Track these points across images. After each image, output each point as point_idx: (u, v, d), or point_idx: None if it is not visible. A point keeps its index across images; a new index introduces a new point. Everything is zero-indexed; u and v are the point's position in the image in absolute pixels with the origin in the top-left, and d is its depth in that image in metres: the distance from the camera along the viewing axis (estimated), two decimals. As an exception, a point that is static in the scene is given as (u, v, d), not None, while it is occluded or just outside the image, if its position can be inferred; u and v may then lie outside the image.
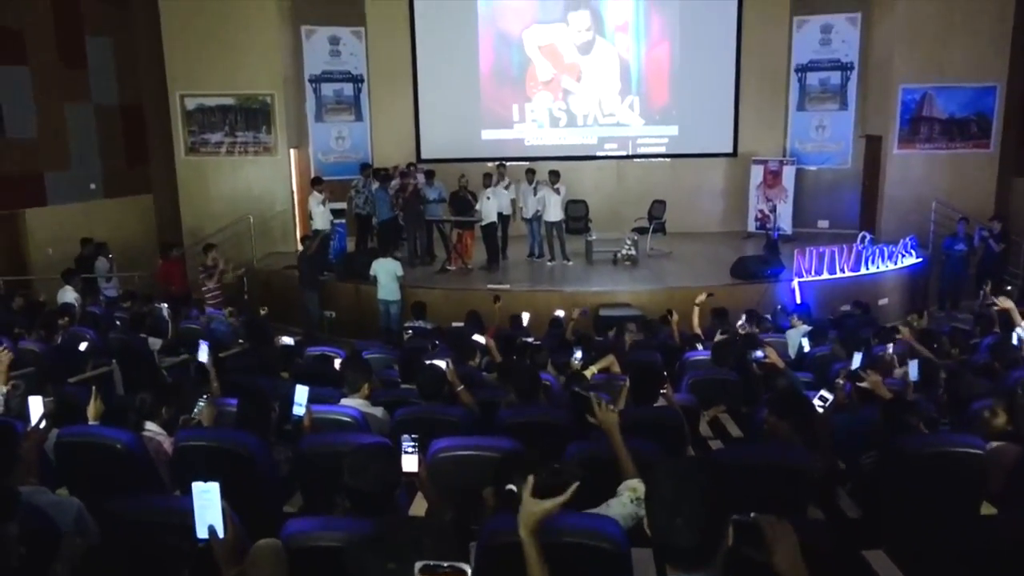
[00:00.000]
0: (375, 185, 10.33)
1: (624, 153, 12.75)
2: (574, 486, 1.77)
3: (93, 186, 10.98)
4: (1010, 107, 11.06)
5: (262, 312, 8.00)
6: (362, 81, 12.49)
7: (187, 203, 11.53)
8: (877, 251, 9.66)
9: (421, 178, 10.59)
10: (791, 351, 6.04)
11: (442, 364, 4.07)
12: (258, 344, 6.00)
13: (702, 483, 1.36)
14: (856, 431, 3.33)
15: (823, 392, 3.39)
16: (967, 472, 2.81)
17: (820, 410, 3.24)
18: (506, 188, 10.61)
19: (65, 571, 1.94)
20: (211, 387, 4.24)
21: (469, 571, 1.38)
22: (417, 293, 8.83)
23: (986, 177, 11.15)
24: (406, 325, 7.55)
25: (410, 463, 2.27)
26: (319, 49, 12.26)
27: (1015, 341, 5.13)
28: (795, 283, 9.05)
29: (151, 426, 3.33)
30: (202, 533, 1.88)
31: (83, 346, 5.57)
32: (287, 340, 6.17)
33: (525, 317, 6.87)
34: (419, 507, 2.66)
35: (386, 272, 8.66)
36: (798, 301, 8.59)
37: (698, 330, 6.43)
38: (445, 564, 1.38)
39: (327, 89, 12.38)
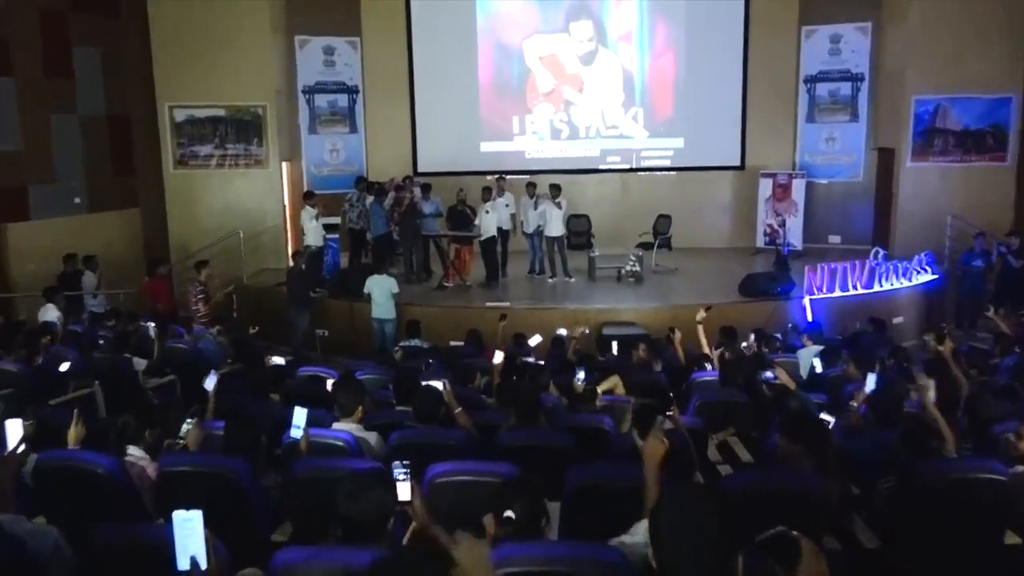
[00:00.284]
0: (370, 199, 10.37)
1: (628, 166, 12.80)
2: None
3: (78, 200, 11.00)
4: (1027, 118, 11.13)
5: (252, 331, 7.98)
6: (357, 92, 12.57)
7: (175, 218, 11.55)
8: (891, 267, 9.67)
9: (417, 192, 10.62)
10: (803, 372, 6.02)
11: (439, 385, 4.06)
12: (247, 364, 5.97)
13: (710, 511, 1.34)
14: (872, 455, 3.31)
15: (824, 415, 3.37)
16: (990, 498, 2.79)
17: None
18: (506, 204, 10.64)
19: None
20: (205, 411, 4.22)
21: None
22: (413, 311, 8.83)
23: (1003, 191, 11.17)
24: (400, 344, 7.52)
25: (403, 491, 2.25)
26: (313, 59, 12.36)
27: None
28: (806, 301, 9.05)
29: (134, 450, 3.31)
30: (183, 564, 1.85)
31: (64, 366, 5.55)
32: (278, 360, 6.16)
33: (535, 339, 6.86)
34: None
35: (381, 289, 8.65)
36: (809, 319, 8.57)
37: (707, 349, 6.41)
38: None
39: (321, 100, 12.47)
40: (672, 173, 12.80)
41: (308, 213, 9.90)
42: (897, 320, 9.31)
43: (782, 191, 12.24)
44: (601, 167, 12.82)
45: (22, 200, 10.33)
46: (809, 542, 1.41)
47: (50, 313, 8.03)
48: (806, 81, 12.44)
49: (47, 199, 10.59)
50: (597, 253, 10.64)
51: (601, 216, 12.10)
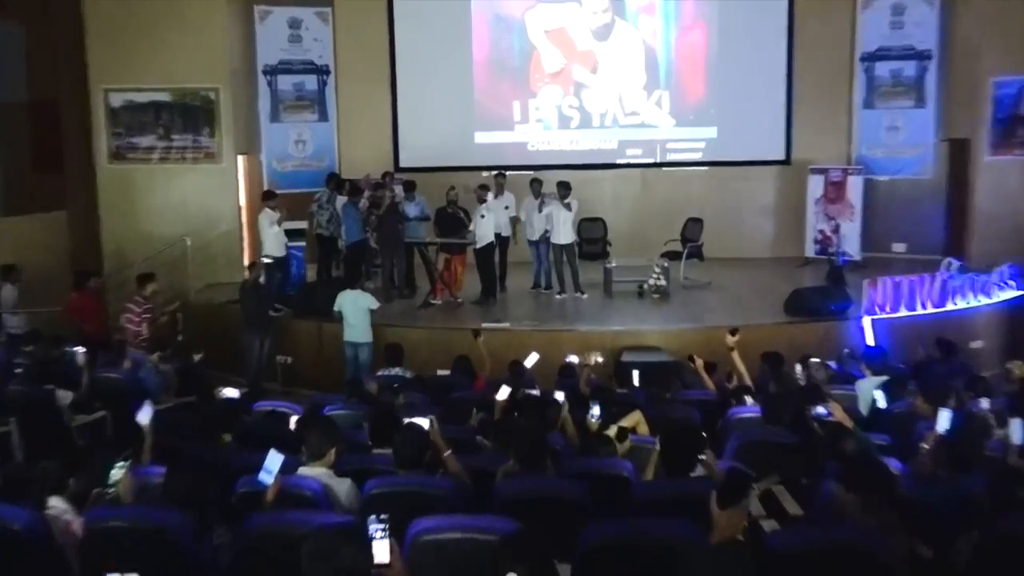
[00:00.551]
0: (342, 200, 10.37)
1: (651, 160, 12.83)
2: None
3: (-8, 201, 11.05)
4: None
5: (196, 358, 7.96)
6: (328, 73, 12.64)
7: (110, 221, 11.55)
8: (967, 281, 9.67)
9: (399, 191, 10.61)
10: (862, 407, 6.00)
11: (424, 423, 4.07)
12: (194, 398, 5.95)
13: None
14: (948, 508, 3.29)
15: (887, 459, 3.36)
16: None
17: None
18: (505, 206, 10.66)
19: None
20: (141, 453, 4.21)
21: None
22: (393, 333, 8.80)
23: (1100, 189, 11.24)
24: (378, 374, 7.51)
25: (380, 551, 2.23)
26: (276, 34, 12.41)
27: None
28: (866, 321, 9.04)
29: (57, 502, 3.29)
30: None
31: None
32: (230, 393, 6.14)
33: (531, 359, 6.92)
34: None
35: (355, 307, 8.66)
36: (870, 344, 8.56)
37: (747, 379, 6.40)
38: None
39: (285, 82, 12.51)
40: (704, 169, 12.79)
41: (268, 216, 9.91)
42: (975, 344, 9.29)
43: (835, 190, 12.27)
44: (619, 161, 12.83)
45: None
46: None
47: (-43, 336, 8.02)
48: (863, 59, 12.50)
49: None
50: (614, 264, 10.65)
51: (619, 220, 12.08)
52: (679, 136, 12.77)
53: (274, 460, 3.48)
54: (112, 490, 3.49)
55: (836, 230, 11.79)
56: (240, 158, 11.88)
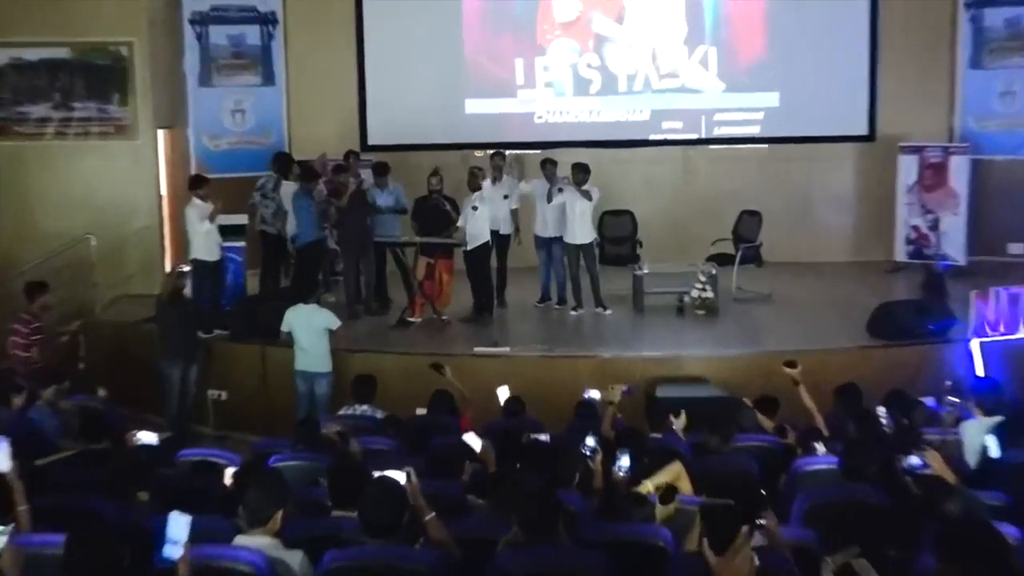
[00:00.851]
0: (292, 187, 10.40)
1: (694, 136, 12.87)
2: None
3: None
4: None
5: (100, 393, 7.95)
6: (275, 22, 12.68)
7: (-10, 214, 11.60)
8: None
9: (368, 176, 10.64)
10: (969, 456, 5.97)
11: (400, 477, 4.08)
12: (99, 444, 5.95)
13: None
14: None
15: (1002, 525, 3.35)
16: None
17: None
18: (505, 195, 10.68)
19: None
20: (15, 514, 4.20)
21: None
22: (359, 361, 8.82)
23: None
24: (340, 413, 7.51)
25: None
26: (207, -28, 12.50)
27: None
28: (974, 345, 9.03)
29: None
30: None
31: None
32: (146, 438, 6.13)
33: (502, 393, 6.99)
34: None
35: (309, 327, 8.67)
36: (980, 374, 8.55)
37: (819, 421, 6.40)
38: None
39: (218, 35, 12.55)
40: (762, 147, 12.84)
41: (197, 209, 9.91)
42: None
43: (934, 175, 12.28)
44: (653, 137, 12.86)
45: None
46: None
47: None
48: (969, 5, 12.53)
49: None
50: (646, 270, 10.67)
51: (653, 213, 12.10)
52: (730, 104, 12.81)
53: (178, 526, 3.43)
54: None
55: (935, 226, 11.79)
56: (161, 133, 11.87)
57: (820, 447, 5.86)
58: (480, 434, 5.53)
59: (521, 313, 10.71)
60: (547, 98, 12.91)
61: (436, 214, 10.24)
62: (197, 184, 10.20)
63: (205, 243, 9.95)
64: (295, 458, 5.96)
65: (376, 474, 4.26)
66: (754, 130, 12.85)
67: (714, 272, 10.47)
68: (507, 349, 9.19)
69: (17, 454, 4.54)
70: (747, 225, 11.38)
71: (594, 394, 7.27)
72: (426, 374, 8.66)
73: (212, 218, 9.88)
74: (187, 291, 9.27)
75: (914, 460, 4.95)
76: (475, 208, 10.11)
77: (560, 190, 10.26)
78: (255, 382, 9.39)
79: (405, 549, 3.88)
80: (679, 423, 6.56)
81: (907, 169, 12.32)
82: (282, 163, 10.88)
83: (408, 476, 4.12)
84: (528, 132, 12.76)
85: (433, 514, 4.05)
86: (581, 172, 10.20)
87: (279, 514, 3.92)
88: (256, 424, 8.99)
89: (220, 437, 8.93)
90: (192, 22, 12.44)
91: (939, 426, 6.68)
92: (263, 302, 9.93)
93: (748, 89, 12.81)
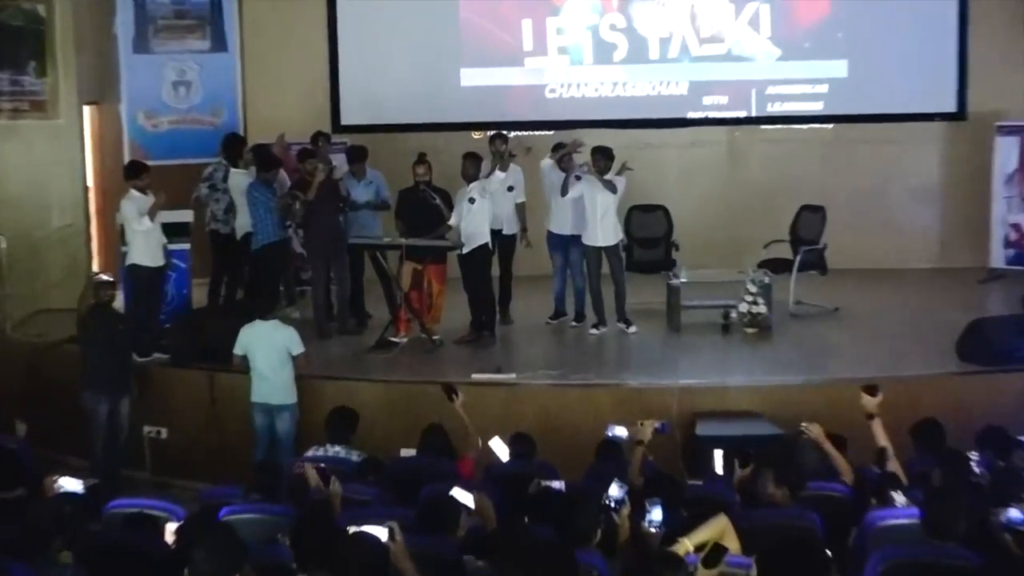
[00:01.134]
0: (246, 177, 10.39)
1: (743, 114, 12.89)
2: None
3: None
4: None
5: (20, 431, 7.92)
6: (228, -26, 12.77)
7: None
8: None
9: (341, 163, 10.66)
10: (1084, 511, 5.94)
11: (382, 534, 4.09)
12: (12, 493, 5.94)
13: None
14: None
15: None
16: None
17: None
18: (509, 186, 10.61)
19: None
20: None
21: None
22: (331, 391, 8.83)
23: None
24: (307, 455, 7.48)
25: None
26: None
27: None
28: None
29: None
30: None
31: None
32: (69, 485, 6.12)
33: (496, 447, 6.96)
34: None
35: (269, 349, 8.67)
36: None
37: (895, 464, 6.38)
38: None
39: (157, -10, 12.62)
40: (827, 127, 12.86)
41: (135, 203, 9.83)
42: None
43: (1038, 162, 12.28)
44: (692, 115, 12.88)
45: None
46: None
47: None
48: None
49: None
50: (683, 279, 10.65)
51: (691, 208, 12.12)
52: (787, 75, 12.85)
53: None
54: None
55: (1041, 225, 11.77)
56: (87, 110, 11.88)
57: (899, 497, 5.81)
58: (481, 481, 5.50)
59: (530, 332, 10.70)
60: (561, 67, 12.92)
61: (424, 210, 10.17)
62: (134, 172, 10.12)
63: (145, 245, 9.87)
64: (252, 510, 5.92)
65: (352, 530, 4.25)
66: (816, 106, 12.86)
67: (767, 281, 10.41)
68: (512, 376, 9.13)
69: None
70: (807, 223, 11.33)
71: (619, 432, 7.22)
72: (413, 407, 8.75)
73: (153, 214, 9.78)
74: (117, 305, 9.24)
75: (1014, 514, 4.92)
76: (472, 202, 10.05)
77: (578, 178, 10.18)
78: (202, 417, 9.37)
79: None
80: (739, 471, 6.50)
81: (1006, 154, 12.31)
82: (230, 147, 10.87)
83: (391, 532, 4.12)
84: (537, 109, 12.80)
85: (421, 580, 4.03)
86: (603, 158, 10.14)
87: (234, 578, 3.89)
88: (203, 468, 8.94)
89: (159, 484, 8.90)
90: (125, -25, 12.50)
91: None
92: (212, 318, 9.90)
93: (809, 56, 12.84)
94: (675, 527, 5.01)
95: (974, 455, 6.64)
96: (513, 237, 10.85)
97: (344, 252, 10.44)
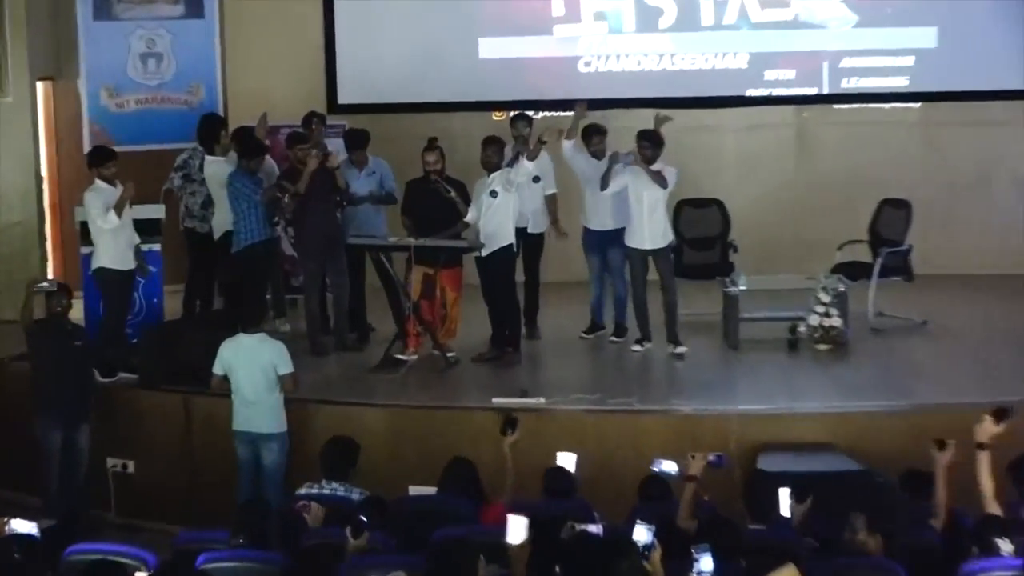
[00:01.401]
0: (225, 166, 10.45)
1: (812, 91, 12.90)
2: None
3: None
4: None
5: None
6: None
7: None
8: None
9: (339, 150, 10.67)
10: None
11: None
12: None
13: None
14: None
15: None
16: None
17: None
18: (535, 177, 10.59)
19: None
20: None
21: None
22: (328, 418, 8.86)
23: None
24: (300, 492, 7.51)
25: None
26: None
27: None
28: None
29: None
30: None
31: None
32: (22, 527, 6.18)
33: (569, 460, 6.98)
34: None
35: (253, 368, 8.69)
36: None
37: (995, 505, 6.42)
38: None
39: (121, -50, 12.66)
40: (912, 107, 12.88)
41: (100, 195, 9.91)
42: None
43: None
44: (753, 93, 12.93)
45: None
46: None
47: None
48: None
49: None
50: (743, 287, 10.62)
51: (752, 203, 12.17)
52: (865, 45, 12.87)
53: None
54: None
55: None
56: (40, 87, 11.95)
57: (1005, 544, 5.79)
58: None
59: (561, 348, 10.70)
60: (597, 36, 12.95)
61: (437, 204, 10.14)
62: (100, 160, 10.12)
63: (114, 245, 9.92)
64: (236, 557, 5.95)
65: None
66: (901, 82, 12.85)
67: (842, 289, 10.40)
68: (540, 401, 9.10)
69: None
70: (890, 221, 11.32)
71: (667, 467, 7.16)
72: (423, 436, 8.78)
73: (120, 208, 9.83)
74: (71, 314, 9.28)
75: None
76: (495, 196, 10.07)
77: (624, 165, 10.07)
78: (175, 448, 9.40)
79: None
80: (795, 507, 6.52)
81: None
82: (205, 129, 10.88)
83: (401, 583, 4.10)
84: (569, 86, 12.73)
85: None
86: (651, 145, 10.07)
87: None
88: (177, 508, 9.04)
89: (126, 527, 8.94)
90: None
91: None
92: (187, 332, 9.92)
93: (892, 23, 12.81)
94: (726, 576, 5.07)
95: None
96: (541, 236, 10.85)
97: (342, 254, 10.42)
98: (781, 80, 12.94)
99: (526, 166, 10.18)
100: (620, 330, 10.73)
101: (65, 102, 12.41)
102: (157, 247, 10.65)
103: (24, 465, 9.31)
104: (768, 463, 8.26)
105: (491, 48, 12.92)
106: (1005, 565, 5.48)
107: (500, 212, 10.09)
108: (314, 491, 7.50)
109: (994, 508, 6.39)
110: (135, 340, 10.22)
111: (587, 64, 12.98)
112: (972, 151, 12.81)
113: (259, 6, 12.91)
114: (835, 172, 12.71)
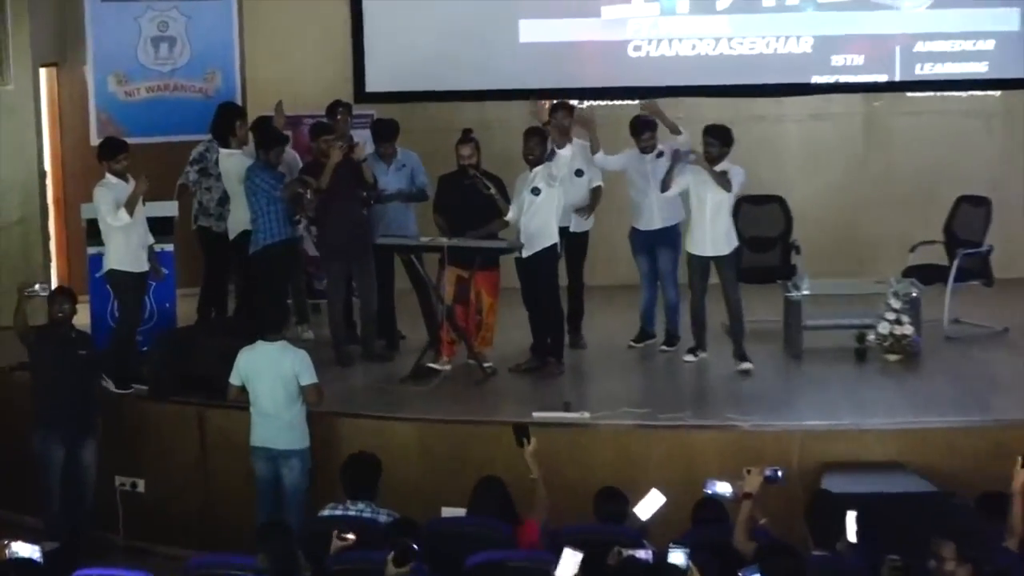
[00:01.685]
0: (243, 159, 10.44)
1: (883, 78, 12.89)
2: None
3: None
4: None
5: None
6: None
7: None
8: None
9: (366, 141, 10.65)
10: None
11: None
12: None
13: None
14: None
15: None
16: None
17: None
18: (578, 171, 10.57)
19: None
20: None
21: None
22: (355, 432, 8.87)
23: None
24: (323, 514, 7.53)
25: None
26: None
27: None
28: None
29: None
30: None
31: None
32: (24, 551, 6.19)
33: (652, 503, 6.92)
34: None
35: (273, 378, 8.68)
36: None
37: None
38: None
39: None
40: (993, 95, 12.83)
41: (111, 191, 9.92)
42: None
43: None
44: (818, 80, 12.92)
45: None
46: None
47: None
48: None
49: None
50: (806, 291, 10.59)
51: (816, 200, 12.20)
52: (941, 28, 12.84)
53: None
54: None
55: None
56: (44, 73, 12.05)
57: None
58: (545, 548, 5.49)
59: (608, 358, 10.66)
60: (648, 18, 12.96)
61: (472, 201, 10.18)
62: (111, 152, 10.12)
63: (125, 244, 9.91)
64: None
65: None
66: (980, 68, 12.83)
67: (915, 294, 10.36)
68: (585, 415, 9.09)
69: None
70: (968, 220, 11.25)
71: (722, 489, 7.18)
72: (457, 453, 8.88)
73: (131, 205, 9.79)
74: (77, 322, 9.23)
75: None
76: (537, 193, 10.01)
77: (685, 164, 10.00)
78: (188, 465, 9.40)
79: None
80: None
81: None
82: (219, 119, 10.80)
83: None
84: (617, 72, 12.84)
85: None
86: (718, 142, 9.95)
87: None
88: (191, 530, 9.03)
89: (135, 550, 8.97)
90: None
91: None
92: (202, 339, 9.89)
93: (971, 4, 12.87)
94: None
95: None
96: (585, 236, 10.78)
97: (369, 255, 10.43)
98: (849, 66, 12.94)
99: (563, 156, 10.09)
100: (672, 339, 10.69)
101: (70, 90, 12.54)
102: (170, 248, 10.66)
103: (26, 481, 9.30)
104: (833, 483, 8.17)
105: (532, 31, 12.95)
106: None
107: (543, 210, 10.05)
108: (338, 512, 7.60)
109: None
110: (145, 348, 10.21)
111: (637, 49, 12.99)
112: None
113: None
114: (907, 166, 12.71)
